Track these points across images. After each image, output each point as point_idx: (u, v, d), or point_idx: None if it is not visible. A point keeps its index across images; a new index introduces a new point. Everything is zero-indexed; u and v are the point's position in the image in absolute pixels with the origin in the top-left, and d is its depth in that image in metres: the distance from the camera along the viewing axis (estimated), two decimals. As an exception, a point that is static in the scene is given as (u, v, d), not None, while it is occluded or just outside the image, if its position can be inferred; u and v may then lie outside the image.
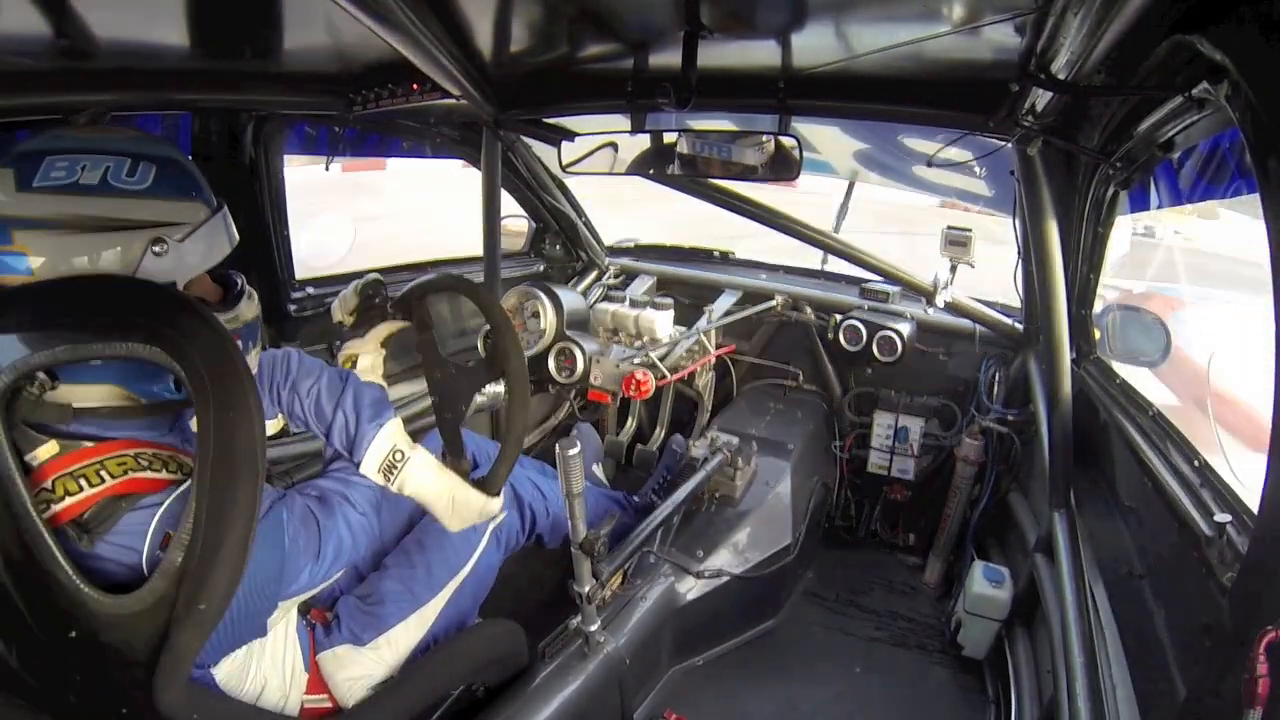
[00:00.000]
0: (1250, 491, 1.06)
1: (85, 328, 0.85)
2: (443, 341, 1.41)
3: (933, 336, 2.44)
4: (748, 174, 1.64)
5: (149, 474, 0.91)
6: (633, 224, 4.06)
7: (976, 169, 2.20)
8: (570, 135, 1.79)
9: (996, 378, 2.30)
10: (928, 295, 2.20)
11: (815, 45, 1.31)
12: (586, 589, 1.35)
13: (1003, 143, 1.43)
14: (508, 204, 2.58)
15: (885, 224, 7.26)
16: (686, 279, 2.88)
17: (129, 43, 1.22)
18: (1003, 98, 1.30)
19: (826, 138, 2.52)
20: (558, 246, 2.94)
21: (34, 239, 0.87)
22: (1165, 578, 1.24)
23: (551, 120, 1.86)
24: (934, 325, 2.44)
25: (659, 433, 2.77)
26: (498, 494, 1.28)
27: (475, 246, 2.35)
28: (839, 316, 2.46)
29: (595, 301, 2.73)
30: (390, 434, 1.20)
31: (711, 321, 2.56)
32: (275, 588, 1.05)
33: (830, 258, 2.87)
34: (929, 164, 1.65)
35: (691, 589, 1.78)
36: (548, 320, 2.38)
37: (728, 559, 1.87)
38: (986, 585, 1.88)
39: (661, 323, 2.39)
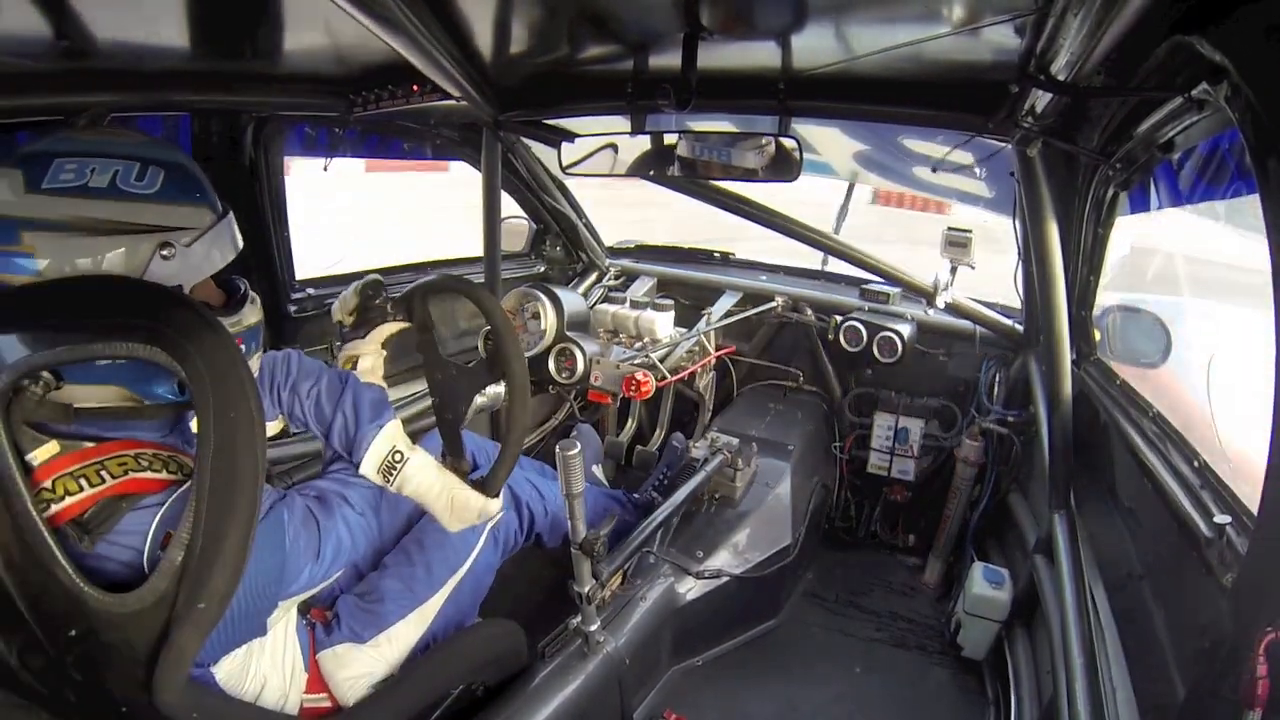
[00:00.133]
0: (1250, 492, 1.06)
1: (88, 328, 0.85)
2: (443, 342, 1.41)
3: (933, 337, 2.45)
4: (748, 175, 1.64)
5: (149, 474, 0.91)
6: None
7: (976, 170, 2.20)
8: (570, 136, 1.79)
9: (997, 379, 2.30)
10: (928, 296, 2.20)
11: (815, 46, 1.31)
12: (586, 589, 1.35)
13: (1002, 144, 1.43)
14: (508, 205, 2.58)
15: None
16: (687, 280, 2.88)
17: (129, 44, 1.22)
18: (1002, 99, 1.30)
19: (826, 139, 2.52)
20: (558, 248, 2.95)
21: (42, 240, 0.87)
22: (1165, 578, 1.24)
23: (551, 121, 1.86)
24: (934, 326, 2.44)
25: (659, 433, 2.77)
26: (497, 495, 1.28)
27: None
28: (839, 317, 2.46)
29: (596, 302, 2.74)
30: (390, 435, 1.21)
31: (711, 322, 2.56)
32: (275, 587, 1.05)
33: (830, 258, 2.88)
34: (934, 170, 1.65)
35: (691, 589, 1.78)
36: (548, 321, 2.38)
37: (727, 559, 1.87)
38: (986, 586, 1.88)
39: (662, 324, 2.39)
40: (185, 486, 0.91)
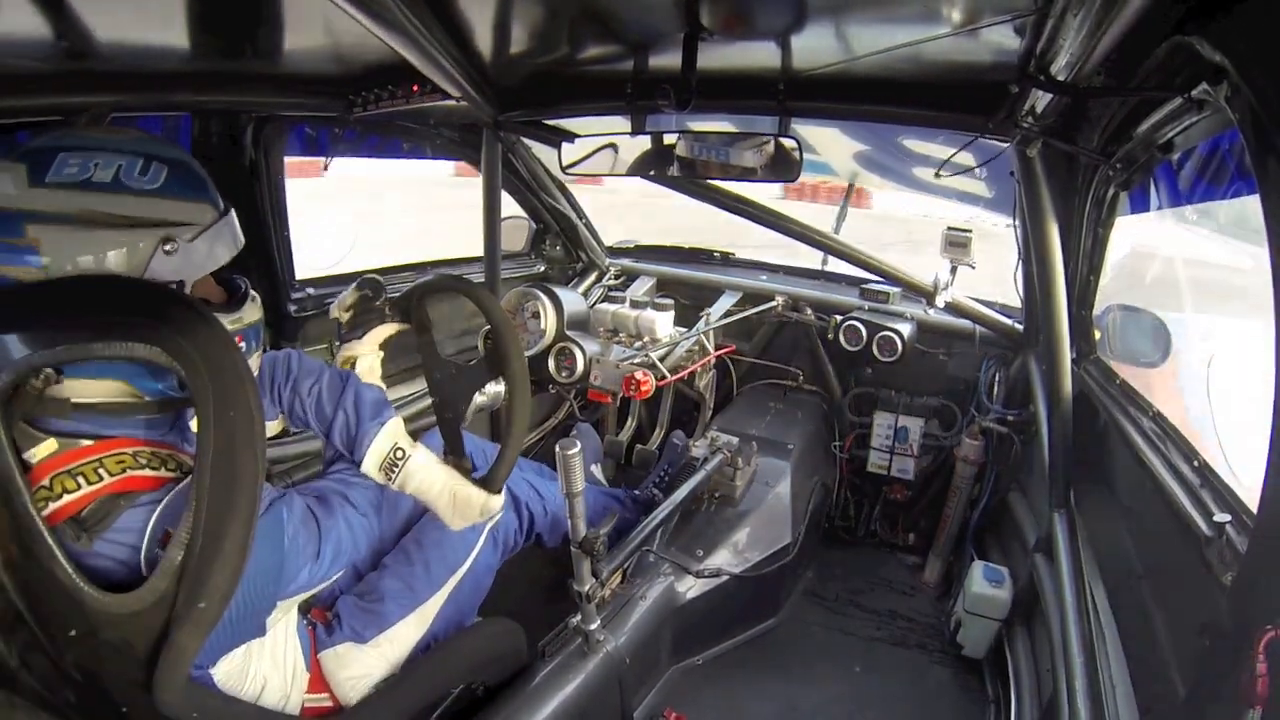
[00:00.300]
0: (1250, 492, 1.07)
1: (87, 327, 0.85)
2: (443, 342, 1.41)
3: (933, 337, 2.45)
4: (747, 175, 1.64)
5: (147, 472, 0.91)
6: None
7: (977, 170, 2.20)
8: (570, 136, 1.79)
9: (996, 378, 2.30)
10: (928, 296, 2.20)
11: (815, 47, 1.31)
12: (586, 588, 1.35)
13: (1002, 144, 1.43)
14: (508, 205, 2.58)
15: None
16: (687, 280, 2.88)
17: (130, 44, 1.23)
18: (1002, 99, 1.30)
19: (826, 139, 2.52)
20: (558, 247, 2.94)
21: (46, 233, 0.87)
22: (1165, 578, 1.24)
23: (552, 122, 1.86)
24: (934, 326, 2.44)
25: (659, 433, 2.77)
26: (499, 492, 1.28)
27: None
28: (839, 317, 2.46)
29: (595, 302, 2.74)
30: (391, 432, 1.21)
31: (711, 322, 2.57)
32: (274, 587, 1.05)
33: (830, 258, 2.88)
34: (937, 175, 1.65)
35: (691, 588, 1.78)
36: (548, 321, 2.38)
37: (727, 558, 1.87)
38: (986, 585, 1.88)
39: (662, 323, 2.39)
40: (183, 484, 0.91)
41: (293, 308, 2.02)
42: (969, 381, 2.39)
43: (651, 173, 1.74)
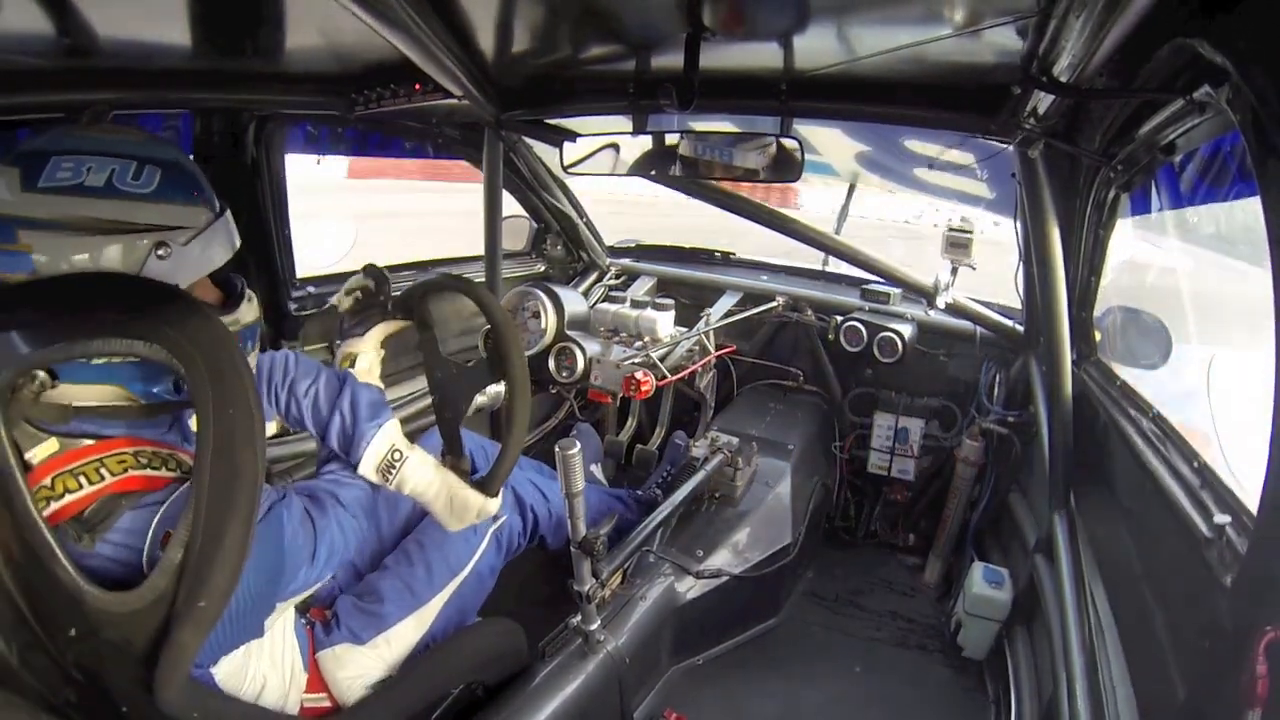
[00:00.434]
0: (1250, 492, 1.07)
1: (85, 326, 0.85)
2: (444, 341, 1.41)
3: (933, 338, 2.45)
4: (749, 176, 1.64)
5: (149, 472, 0.91)
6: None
7: (978, 171, 2.21)
8: (572, 136, 1.79)
9: (997, 379, 2.31)
10: (928, 297, 2.20)
11: (817, 47, 1.31)
12: (586, 588, 1.35)
13: (1004, 145, 1.43)
14: (509, 204, 2.58)
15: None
16: (687, 280, 2.88)
17: (131, 42, 1.22)
18: (1004, 100, 1.30)
19: (828, 139, 2.52)
20: (559, 247, 2.94)
21: (39, 239, 0.87)
22: (1165, 578, 1.24)
23: (553, 121, 1.86)
24: (934, 326, 2.44)
25: (659, 433, 2.77)
26: (496, 494, 1.28)
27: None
28: (840, 317, 2.47)
29: (596, 302, 2.74)
30: (389, 434, 1.21)
31: (712, 322, 2.57)
32: (272, 588, 1.05)
33: (831, 258, 2.88)
34: (930, 166, 1.65)
35: (691, 588, 1.78)
36: (548, 320, 2.38)
37: (728, 559, 1.87)
38: (986, 586, 1.88)
39: (662, 323, 2.40)
40: (186, 485, 0.91)
41: (293, 306, 2.02)
42: (969, 382, 2.40)
43: (653, 173, 1.74)
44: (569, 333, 2.36)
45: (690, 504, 1.93)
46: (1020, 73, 1.19)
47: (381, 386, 1.31)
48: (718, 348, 2.66)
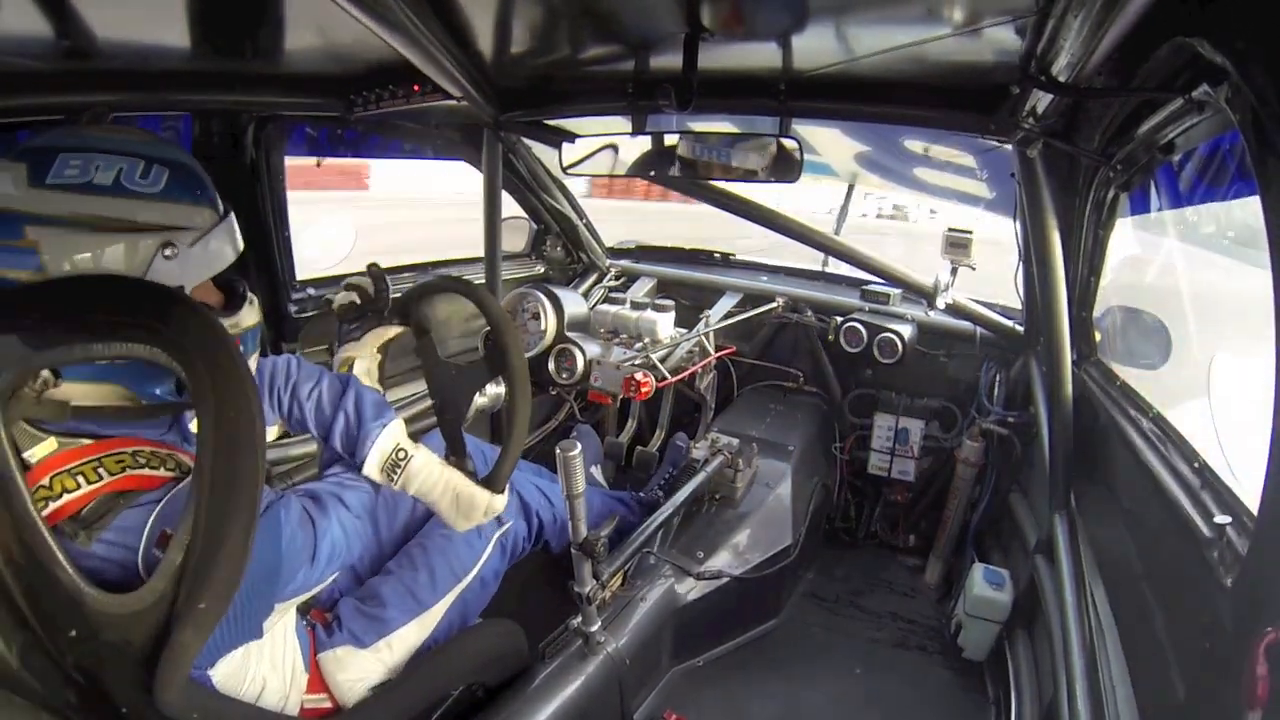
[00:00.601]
0: (1250, 493, 1.06)
1: (87, 327, 0.85)
2: (443, 343, 1.41)
3: (933, 338, 2.45)
4: (749, 176, 1.64)
5: (147, 471, 0.91)
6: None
7: (977, 171, 2.20)
8: (571, 137, 1.79)
9: (997, 380, 2.30)
10: (928, 297, 2.20)
11: (816, 47, 1.31)
12: (587, 589, 1.35)
13: (1003, 145, 1.43)
14: (508, 205, 2.58)
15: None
16: (687, 281, 2.88)
17: (130, 44, 1.23)
18: (1003, 100, 1.30)
19: (827, 140, 2.52)
20: (558, 248, 2.94)
21: (45, 235, 0.86)
22: (1165, 579, 1.24)
23: (552, 122, 1.87)
24: (935, 327, 2.44)
25: (659, 434, 2.77)
26: (502, 491, 1.28)
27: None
28: (840, 318, 2.46)
29: (596, 303, 2.74)
30: (393, 432, 1.21)
31: (712, 323, 2.57)
32: (272, 589, 1.04)
33: (831, 259, 2.88)
34: (929, 166, 1.65)
35: (692, 590, 1.77)
36: (548, 322, 2.38)
37: (728, 560, 1.87)
38: (987, 587, 1.88)
39: (662, 324, 2.40)
40: (181, 485, 0.91)
41: (293, 308, 2.02)
42: (969, 383, 2.39)
43: (652, 173, 1.74)
44: (569, 334, 2.36)
45: (691, 505, 1.93)
46: (1019, 72, 1.19)
47: (380, 389, 1.31)
48: (718, 349, 2.66)
